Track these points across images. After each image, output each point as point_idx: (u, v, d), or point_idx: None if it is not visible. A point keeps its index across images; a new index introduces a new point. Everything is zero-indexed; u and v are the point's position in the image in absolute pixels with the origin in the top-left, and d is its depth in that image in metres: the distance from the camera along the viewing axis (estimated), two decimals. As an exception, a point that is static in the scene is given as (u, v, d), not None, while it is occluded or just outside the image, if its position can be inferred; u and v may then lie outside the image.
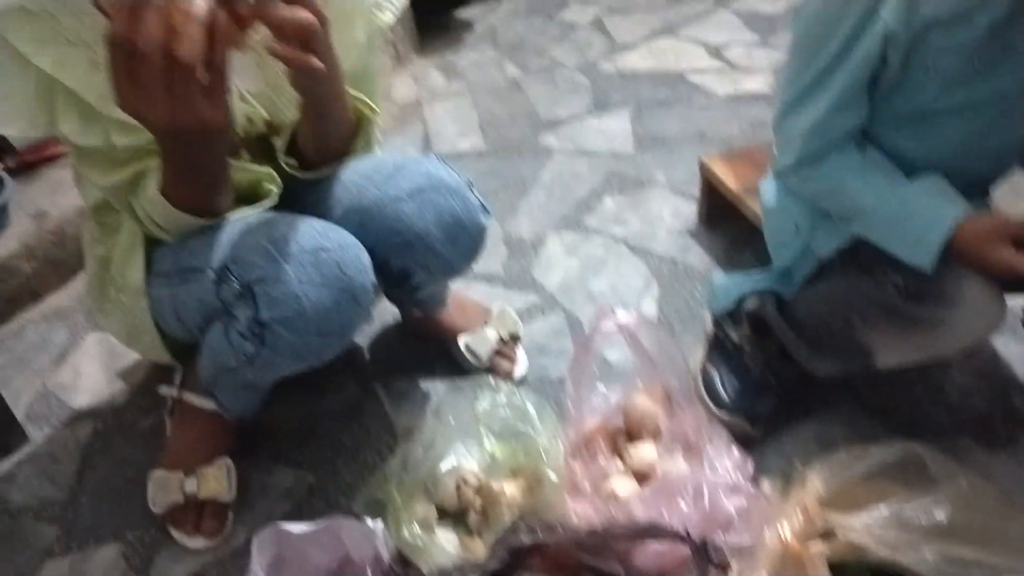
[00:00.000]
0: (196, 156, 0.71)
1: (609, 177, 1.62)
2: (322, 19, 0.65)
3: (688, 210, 1.49)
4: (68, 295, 1.43)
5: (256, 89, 0.87)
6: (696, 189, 1.46)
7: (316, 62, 0.65)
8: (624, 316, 0.94)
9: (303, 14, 0.62)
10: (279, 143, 0.88)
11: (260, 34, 0.64)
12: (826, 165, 0.95)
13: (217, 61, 0.59)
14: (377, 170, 0.88)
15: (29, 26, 0.70)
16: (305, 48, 0.64)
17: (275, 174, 0.87)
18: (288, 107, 0.87)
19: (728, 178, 1.33)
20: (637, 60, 2.07)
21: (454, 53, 2.19)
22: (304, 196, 0.89)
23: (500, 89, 2.01)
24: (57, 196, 1.50)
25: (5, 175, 1.45)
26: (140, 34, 0.56)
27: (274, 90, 0.87)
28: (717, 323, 1.10)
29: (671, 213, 1.49)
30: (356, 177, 0.89)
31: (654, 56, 2.08)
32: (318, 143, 0.86)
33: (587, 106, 1.89)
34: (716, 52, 2.06)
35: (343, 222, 0.82)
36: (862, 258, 0.98)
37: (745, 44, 2.09)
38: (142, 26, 0.56)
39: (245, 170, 0.84)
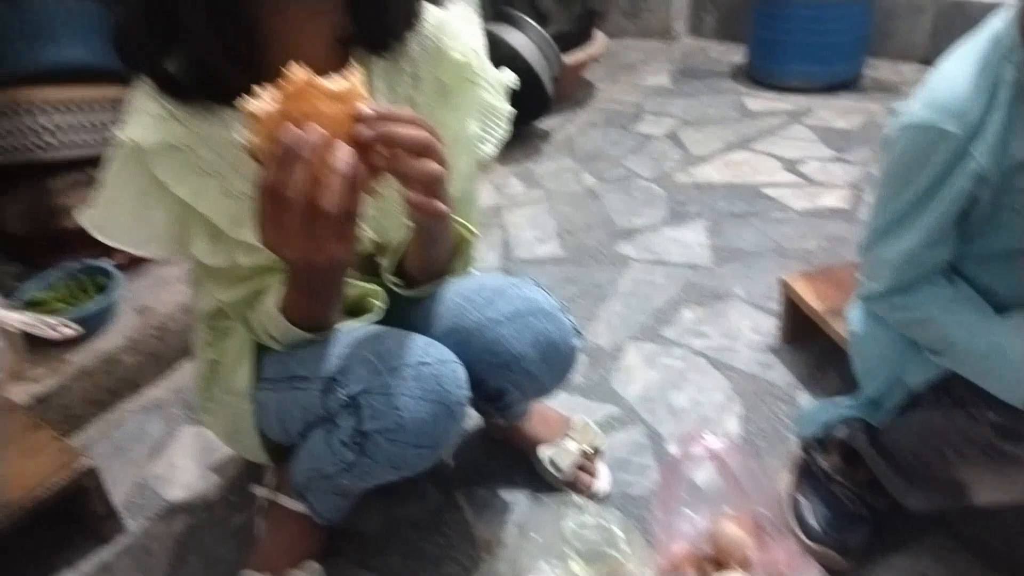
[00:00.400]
0: (320, 284, 0.77)
1: (687, 288, 1.64)
2: (447, 167, 0.70)
3: (768, 325, 1.49)
4: (166, 387, 1.49)
5: (367, 213, 0.92)
6: (776, 304, 1.47)
7: (440, 207, 0.69)
8: (713, 441, 0.95)
9: (432, 166, 0.67)
10: (385, 263, 0.93)
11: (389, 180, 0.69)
12: (916, 296, 0.96)
13: (352, 209, 0.64)
14: (478, 292, 0.92)
15: (172, 159, 0.77)
16: (429, 194, 0.68)
17: (381, 290, 0.92)
18: (394, 229, 0.93)
19: (810, 297, 1.34)
20: (712, 172, 2.11)
21: (533, 162, 2.27)
22: (407, 312, 0.94)
23: (577, 197, 2.07)
24: (161, 291, 1.59)
25: (115, 271, 1.54)
26: (288, 184, 0.62)
27: (382, 215, 0.92)
28: (805, 449, 1.09)
29: (751, 328, 1.50)
30: (458, 298, 0.93)
31: (729, 169, 2.12)
32: (424, 265, 0.91)
33: (663, 216, 1.94)
34: (791, 166, 2.10)
35: (443, 339, 0.86)
36: (955, 392, 0.97)
37: (820, 159, 2.12)
38: (290, 177, 0.61)
39: (355, 286, 0.89)
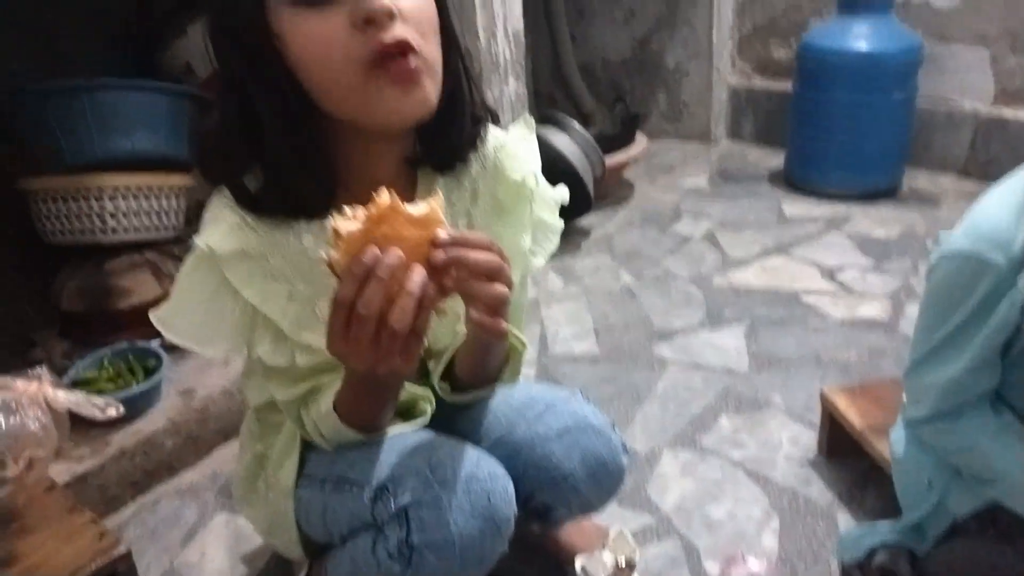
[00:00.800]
0: (377, 390, 0.79)
1: (724, 395, 1.64)
2: (512, 288, 0.72)
3: (807, 438, 1.48)
4: (202, 472, 1.50)
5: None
6: (814, 416, 1.46)
7: (503, 327, 0.71)
8: (755, 564, 0.93)
9: (501, 290, 0.70)
10: (433, 366, 0.95)
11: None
12: (961, 422, 0.95)
13: (420, 327, 0.67)
14: (529, 406, 0.93)
15: (243, 265, 0.80)
16: (493, 314, 0.71)
17: (430, 394, 0.93)
18: (445, 335, 0.95)
19: (851, 413, 1.33)
20: (750, 277, 2.13)
21: (572, 258, 2.31)
22: (455, 417, 0.95)
23: (615, 295, 2.09)
24: (204, 375, 1.62)
25: (163, 353, 1.57)
26: (362, 301, 0.64)
27: (434, 320, 0.94)
28: (846, 574, 1.07)
29: (789, 440, 1.48)
30: (508, 410, 0.94)
31: (767, 274, 2.14)
32: (474, 373, 0.93)
33: (701, 319, 1.94)
34: (830, 274, 2.11)
35: (492, 450, 0.86)
36: (1001, 523, 0.95)
37: (859, 268, 2.13)
38: (365, 294, 0.64)
39: (406, 390, 0.90)
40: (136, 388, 1.49)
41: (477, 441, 0.90)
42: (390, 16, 0.70)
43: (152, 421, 1.49)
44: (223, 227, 0.79)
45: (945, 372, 0.94)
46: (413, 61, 0.72)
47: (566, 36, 3.07)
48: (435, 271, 0.67)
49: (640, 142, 2.70)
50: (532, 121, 0.99)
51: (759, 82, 3.07)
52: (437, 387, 0.94)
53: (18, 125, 1.63)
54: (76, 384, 1.50)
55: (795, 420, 1.54)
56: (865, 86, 2.39)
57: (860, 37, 2.37)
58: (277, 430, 1.00)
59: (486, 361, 0.92)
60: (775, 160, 2.90)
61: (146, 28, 2.05)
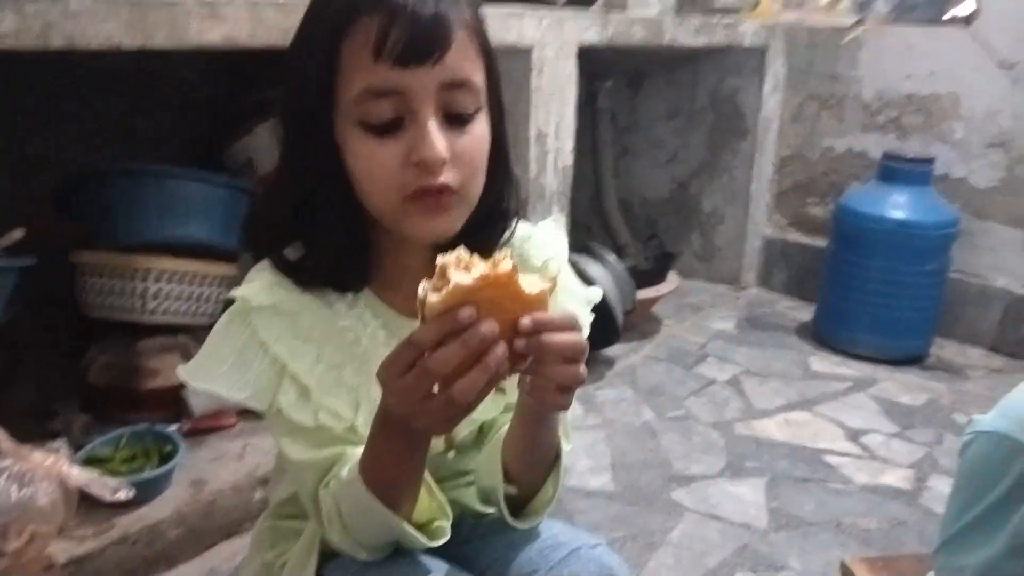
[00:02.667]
0: (406, 441, 0.75)
1: (741, 551, 1.59)
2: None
3: (824, 610, 1.43)
4: (201, 568, 1.47)
5: None
6: (833, 587, 1.41)
7: (569, 403, 0.71)
8: None
9: (581, 372, 0.69)
10: (451, 456, 0.93)
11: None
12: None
13: (476, 403, 0.66)
14: (553, 548, 0.91)
15: (274, 321, 0.82)
16: (564, 393, 0.70)
17: (448, 509, 0.89)
18: (463, 426, 0.92)
19: (874, 590, 1.29)
20: (773, 428, 2.11)
21: (595, 387, 2.30)
22: (476, 552, 0.92)
23: (635, 431, 2.07)
24: (217, 466, 1.60)
25: (180, 440, 1.57)
26: (437, 356, 0.63)
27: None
28: None
29: (806, 609, 1.43)
30: (531, 551, 0.92)
31: (790, 428, 2.11)
32: (524, 465, 0.88)
33: (721, 467, 1.91)
34: (853, 436, 2.08)
35: None
36: None
37: (883, 433, 2.10)
38: (444, 352, 0.62)
39: (428, 488, 0.86)
40: (149, 473, 1.47)
41: None
42: (442, 164, 0.74)
43: (159, 508, 1.47)
44: (258, 284, 0.82)
45: (981, 555, 0.91)
46: (447, 199, 0.76)
47: (610, 172, 3.18)
48: (513, 352, 0.65)
49: (672, 280, 2.74)
50: (562, 217, 1.01)
51: (793, 235, 3.13)
52: (499, 491, 0.90)
53: (81, 201, 1.69)
54: (91, 461, 1.49)
55: (813, 588, 1.49)
56: (900, 255, 2.43)
57: (898, 206, 2.43)
58: (292, 537, 0.98)
59: (536, 449, 0.87)
60: (803, 313, 2.91)
61: (216, 128, 2.16)
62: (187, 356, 1.75)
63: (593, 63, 2.40)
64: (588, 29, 2.14)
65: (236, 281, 1.83)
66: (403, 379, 0.66)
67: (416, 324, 0.88)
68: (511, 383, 0.71)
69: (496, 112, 0.82)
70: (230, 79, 2.23)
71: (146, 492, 1.46)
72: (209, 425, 1.71)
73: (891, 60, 2.76)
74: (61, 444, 1.41)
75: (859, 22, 2.84)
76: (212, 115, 2.23)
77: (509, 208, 0.89)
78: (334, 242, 0.81)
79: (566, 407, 0.72)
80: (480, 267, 0.63)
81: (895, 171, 2.49)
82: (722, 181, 3.09)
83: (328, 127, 0.77)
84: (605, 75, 3.06)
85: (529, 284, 0.65)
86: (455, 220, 0.79)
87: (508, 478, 0.89)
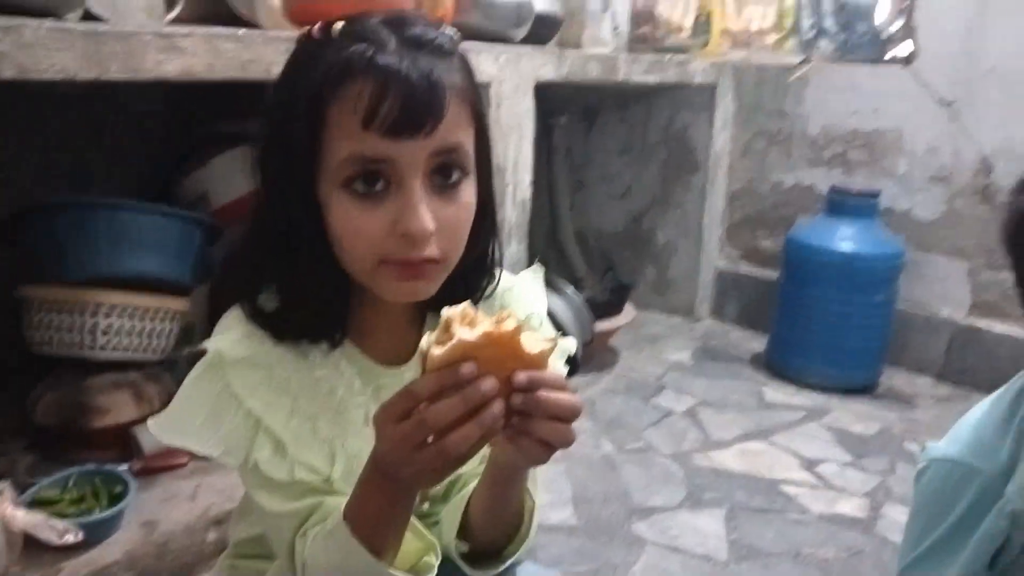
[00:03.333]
0: (395, 495, 0.73)
1: (702, 584, 1.60)
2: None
3: (786, 640, 1.43)
4: (152, 613, 1.42)
5: None
6: (794, 617, 1.42)
7: (548, 459, 0.69)
8: None
9: (571, 433, 0.67)
10: (426, 507, 0.91)
11: None
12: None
13: (467, 456, 0.65)
14: None
15: (249, 374, 0.79)
16: (547, 450, 0.68)
17: (438, 547, 0.87)
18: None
19: (835, 619, 1.30)
20: (730, 459, 2.12)
21: (554, 420, 2.29)
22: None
23: (595, 464, 2.07)
24: (169, 507, 1.55)
25: (131, 480, 1.52)
26: (435, 410, 0.62)
27: None
28: None
29: (768, 640, 1.44)
30: None
31: (747, 458, 2.13)
32: (492, 523, 0.86)
33: (680, 499, 1.92)
34: (809, 466, 2.11)
35: None
36: None
37: (838, 462, 2.14)
38: (442, 406, 0.62)
39: (415, 531, 0.85)
40: (98, 515, 1.42)
41: None
42: (428, 237, 0.73)
43: (108, 551, 1.41)
44: (233, 336, 0.80)
45: (942, 580, 0.93)
46: (427, 268, 0.75)
47: (566, 206, 3.21)
48: (508, 408, 0.65)
49: (628, 312, 2.76)
50: (541, 268, 1.01)
51: (744, 267, 3.19)
52: (453, 547, 0.89)
53: (29, 235, 1.65)
54: (37, 503, 1.43)
55: (774, 618, 1.50)
56: (848, 286, 2.49)
57: (845, 238, 2.50)
58: (254, 579, 0.95)
59: (504, 504, 0.85)
60: (756, 343, 2.96)
61: (170, 159, 2.13)
62: (138, 394, 1.71)
63: (548, 100, 2.43)
64: (544, 66, 2.17)
65: (185, 316, 1.81)
66: (398, 427, 0.65)
67: (392, 372, 0.88)
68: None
69: (484, 172, 0.81)
70: (184, 110, 2.21)
71: (95, 534, 1.40)
72: (160, 464, 1.66)
73: (836, 97, 2.85)
74: (5, 486, 1.35)
75: (805, 60, 2.93)
76: (166, 146, 2.20)
77: (492, 262, 0.88)
78: (312, 296, 0.79)
79: (544, 462, 0.71)
80: (484, 324, 0.64)
81: (842, 204, 2.56)
82: (675, 214, 3.15)
83: (309, 184, 0.75)
84: (560, 111, 3.10)
85: (531, 343, 0.65)
86: (432, 285, 0.78)
87: (469, 534, 0.88)
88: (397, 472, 0.68)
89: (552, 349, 0.67)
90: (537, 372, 0.65)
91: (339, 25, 0.74)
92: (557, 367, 0.96)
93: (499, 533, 0.88)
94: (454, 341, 0.62)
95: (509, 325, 0.64)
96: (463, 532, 0.88)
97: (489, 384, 0.62)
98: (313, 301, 0.80)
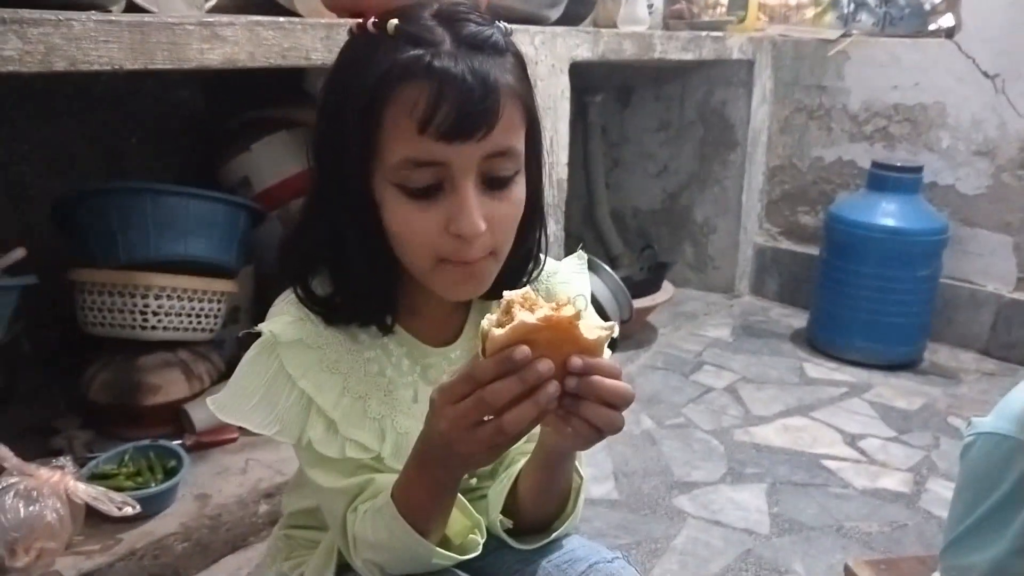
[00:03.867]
0: (444, 468, 0.75)
1: (744, 557, 1.60)
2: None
3: (829, 611, 1.44)
4: (206, 582, 1.47)
5: None
6: (837, 589, 1.42)
7: (596, 443, 0.71)
8: None
9: (621, 420, 0.69)
10: (475, 482, 0.94)
11: None
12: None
13: (522, 435, 0.67)
14: (571, 564, 0.90)
15: (301, 355, 0.82)
16: (598, 436, 0.70)
17: (483, 526, 0.89)
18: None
19: (878, 590, 1.30)
20: (771, 435, 2.12)
21: (593, 397, 2.31)
22: (494, 565, 0.92)
23: (636, 440, 2.08)
24: (221, 480, 1.61)
25: (185, 454, 1.57)
26: (493, 389, 0.64)
27: None
28: None
29: (811, 611, 1.44)
30: (549, 565, 0.91)
31: (789, 434, 2.13)
32: (539, 496, 0.89)
33: (722, 474, 1.93)
34: (851, 441, 2.10)
35: None
36: None
37: (880, 438, 2.12)
38: (501, 386, 0.64)
39: (463, 508, 0.86)
40: (154, 488, 1.48)
41: None
42: (480, 236, 0.75)
43: (164, 523, 1.47)
44: (286, 319, 0.82)
45: (988, 553, 0.93)
46: (480, 266, 0.77)
47: (602, 184, 3.20)
48: (563, 391, 0.66)
49: (667, 289, 2.76)
50: (584, 255, 1.02)
51: (784, 243, 3.16)
52: (499, 526, 0.91)
53: (80, 220, 1.70)
54: (95, 477, 1.49)
55: (817, 590, 1.50)
56: (891, 261, 2.46)
57: (888, 214, 2.46)
58: (307, 548, 0.99)
59: (554, 481, 0.88)
60: (797, 320, 2.94)
61: (210, 145, 2.17)
62: (188, 372, 1.76)
63: (583, 79, 2.43)
64: (580, 46, 2.17)
65: (233, 298, 1.85)
66: (456, 406, 0.67)
67: (439, 352, 0.90)
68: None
69: (534, 167, 0.82)
70: (224, 97, 2.25)
71: (152, 506, 1.46)
72: (212, 440, 1.71)
73: (877, 71, 2.80)
74: (66, 461, 1.41)
75: (845, 34, 2.89)
76: (207, 133, 2.24)
77: (539, 251, 0.90)
78: (363, 285, 0.82)
79: (591, 446, 0.73)
80: (544, 308, 0.66)
81: (884, 179, 2.52)
82: (713, 192, 3.13)
83: (366, 179, 0.77)
84: (595, 90, 3.09)
85: (587, 330, 0.67)
86: (486, 283, 0.80)
87: (515, 513, 0.90)
88: (453, 450, 0.69)
89: (608, 337, 0.69)
90: (592, 358, 0.67)
91: (394, 22, 0.74)
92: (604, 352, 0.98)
93: (546, 512, 0.91)
94: (515, 323, 0.64)
95: (568, 311, 0.66)
96: (508, 511, 0.91)
97: (546, 365, 0.64)
98: (364, 289, 0.82)
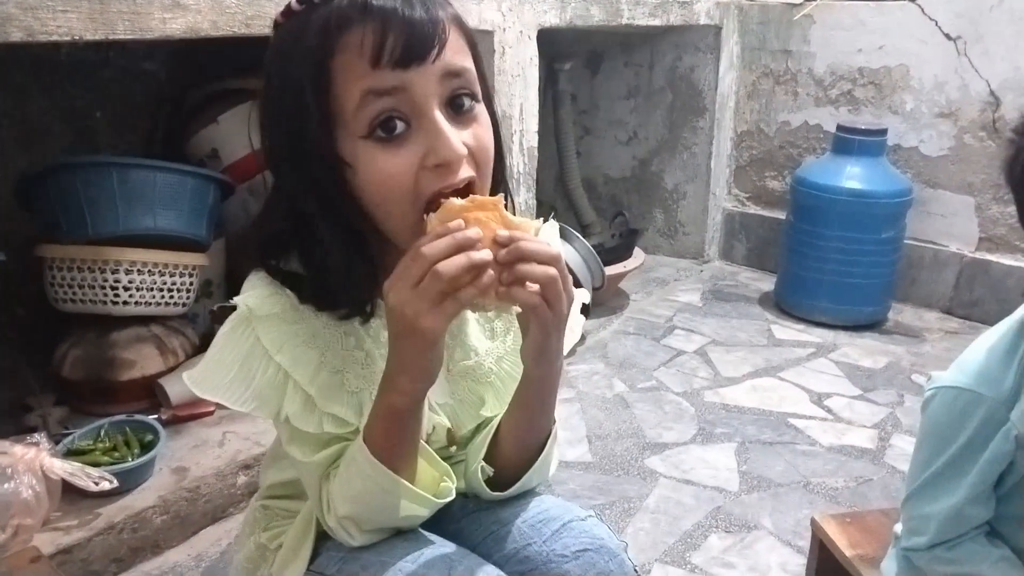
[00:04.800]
0: (413, 362, 0.76)
1: (715, 513, 1.65)
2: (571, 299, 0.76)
3: (796, 563, 1.49)
4: (187, 552, 1.48)
5: (443, 400, 0.96)
6: (803, 541, 1.47)
7: (558, 317, 0.75)
8: None
9: (552, 271, 0.72)
10: (455, 450, 0.96)
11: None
12: (962, 551, 0.98)
13: (464, 298, 0.70)
14: (544, 523, 0.93)
15: (277, 329, 0.82)
16: (549, 305, 0.73)
17: (452, 473, 0.91)
18: (468, 420, 0.95)
19: (842, 542, 1.34)
20: (741, 395, 2.17)
21: (567, 362, 2.34)
22: (467, 528, 0.94)
23: (608, 403, 2.12)
24: (198, 453, 1.62)
25: (161, 428, 1.57)
26: (427, 244, 0.70)
27: (458, 403, 0.95)
28: None
29: (779, 564, 1.49)
30: (522, 524, 0.94)
31: (757, 394, 2.18)
32: (520, 441, 0.91)
33: (692, 434, 1.97)
34: (818, 399, 2.15)
35: (504, 565, 0.86)
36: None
37: (846, 396, 2.18)
38: (434, 241, 0.69)
39: (429, 459, 0.87)
40: (131, 463, 1.48)
41: (488, 553, 0.90)
42: (462, 161, 0.75)
43: (142, 497, 1.48)
44: (261, 292, 0.82)
45: (945, 502, 0.97)
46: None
47: (572, 152, 3.21)
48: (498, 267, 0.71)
49: (638, 256, 2.78)
50: (556, 223, 1.04)
51: (752, 208, 3.20)
52: (478, 476, 0.92)
53: (46, 195, 1.68)
54: (71, 453, 1.49)
55: (784, 545, 1.55)
56: (856, 224, 2.50)
57: (853, 177, 2.50)
58: (285, 518, 1.00)
59: (532, 423, 0.90)
60: (765, 283, 2.99)
61: (177, 119, 2.15)
62: (161, 346, 1.76)
63: (552, 46, 2.42)
64: (547, 12, 2.17)
65: (204, 271, 1.85)
66: (398, 271, 0.71)
67: None
68: (474, 390, 0.80)
69: (488, 100, 0.82)
70: (190, 69, 2.22)
71: (129, 481, 1.47)
72: (188, 413, 1.72)
73: (842, 35, 2.83)
74: (41, 438, 1.41)
75: (810, -2, 2.91)
76: (174, 106, 2.21)
77: (507, 192, 0.90)
78: (338, 269, 0.80)
79: (556, 322, 0.75)
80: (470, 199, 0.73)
81: (849, 143, 2.56)
82: (682, 158, 3.15)
83: (329, 146, 0.76)
84: (564, 57, 3.08)
85: (517, 218, 0.73)
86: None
87: (496, 457, 0.92)
88: (403, 316, 0.71)
89: (537, 230, 0.74)
90: (517, 231, 0.72)
91: None
92: (574, 315, 1.00)
93: (525, 456, 0.92)
94: (445, 204, 0.71)
95: (492, 198, 0.73)
96: (490, 457, 0.93)
97: (475, 230, 0.70)
98: (336, 280, 0.81)
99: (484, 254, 0.69)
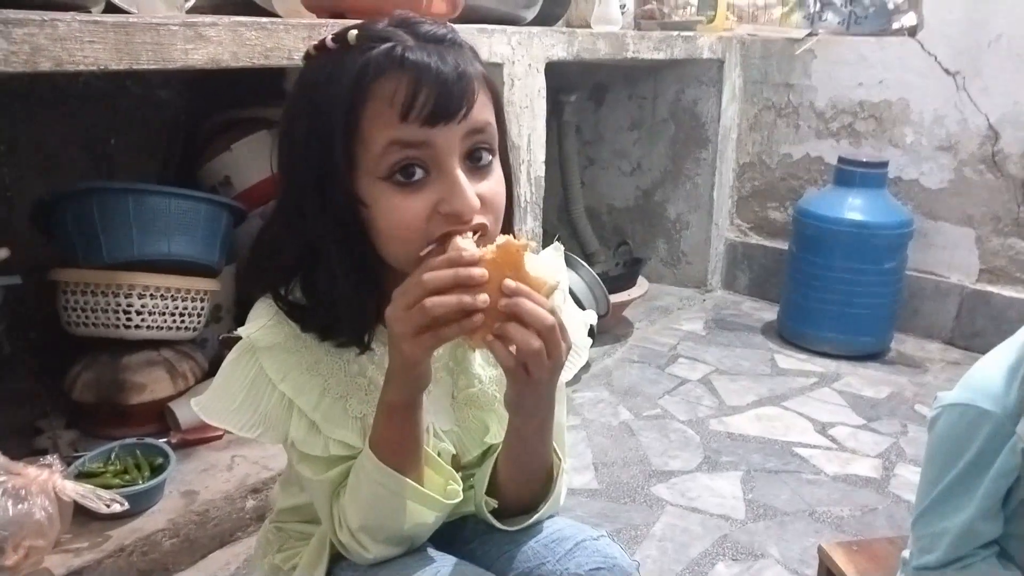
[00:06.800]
0: (408, 383, 0.80)
1: (722, 541, 1.65)
2: (565, 357, 0.76)
3: (803, 591, 1.49)
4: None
5: (448, 427, 0.97)
6: (810, 570, 1.48)
7: (539, 379, 0.75)
8: None
9: (536, 342, 0.73)
10: (468, 481, 0.97)
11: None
12: (972, 572, 0.99)
13: (446, 335, 0.72)
14: (558, 542, 0.94)
15: (280, 358, 0.85)
16: (520, 361, 0.74)
17: (457, 476, 0.93)
18: (474, 447, 0.97)
19: (849, 570, 1.34)
20: (745, 424, 2.18)
21: (572, 389, 2.36)
22: (481, 547, 0.96)
23: (613, 431, 2.13)
24: (208, 477, 1.62)
25: (171, 451, 1.58)
26: (431, 272, 0.71)
27: (463, 430, 0.97)
28: None
29: (786, 592, 1.49)
30: (535, 544, 0.95)
31: (761, 423, 2.19)
32: (515, 477, 0.92)
33: (698, 462, 1.98)
34: (822, 429, 2.16)
35: None
36: None
37: (850, 426, 2.19)
38: (438, 271, 0.71)
39: (434, 465, 0.89)
40: (142, 485, 1.49)
41: (502, 572, 0.90)
42: (474, 215, 0.77)
43: (152, 520, 1.49)
44: (263, 322, 0.85)
45: (956, 519, 0.98)
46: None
47: (577, 182, 3.25)
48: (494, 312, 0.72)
49: (641, 285, 2.81)
50: (561, 247, 1.06)
51: (755, 239, 3.23)
52: (483, 507, 0.94)
53: (63, 220, 1.70)
54: (82, 476, 1.50)
55: (791, 573, 1.56)
56: (858, 255, 2.53)
57: (855, 208, 2.53)
58: (299, 540, 1.01)
59: (525, 457, 0.91)
60: (767, 313, 3.01)
61: (191, 147, 2.18)
62: (172, 370, 1.77)
63: (558, 78, 2.46)
64: (556, 45, 2.21)
65: (216, 295, 1.87)
66: (403, 286, 0.74)
67: None
68: (479, 418, 0.82)
69: (504, 152, 0.85)
70: (205, 97, 2.26)
71: (140, 503, 1.48)
72: (198, 437, 1.72)
73: (843, 69, 2.88)
74: (53, 460, 1.42)
75: (811, 34, 2.96)
76: (188, 133, 2.25)
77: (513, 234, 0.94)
78: (343, 301, 0.82)
79: (532, 385, 0.76)
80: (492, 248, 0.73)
81: (851, 175, 2.59)
82: (685, 189, 3.18)
83: (346, 185, 0.78)
84: (570, 90, 3.13)
85: (536, 269, 0.73)
86: None
87: (497, 489, 0.94)
88: (394, 332, 0.74)
89: (554, 287, 0.74)
90: (526, 286, 0.72)
91: (354, 32, 0.77)
92: (581, 337, 1.02)
93: (525, 491, 0.94)
94: (455, 243, 0.74)
95: (513, 243, 0.72)
96: (492, 489, 0.94)
97: (480, 271, 0.71)
98: (339, 313, 0.83)
99: (479, 299, 0.71)
